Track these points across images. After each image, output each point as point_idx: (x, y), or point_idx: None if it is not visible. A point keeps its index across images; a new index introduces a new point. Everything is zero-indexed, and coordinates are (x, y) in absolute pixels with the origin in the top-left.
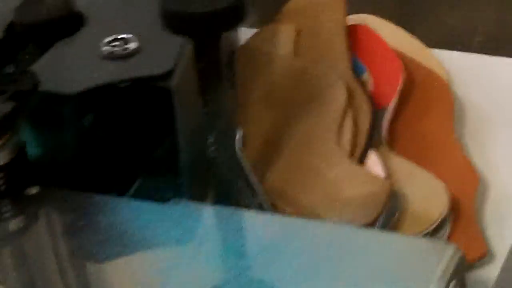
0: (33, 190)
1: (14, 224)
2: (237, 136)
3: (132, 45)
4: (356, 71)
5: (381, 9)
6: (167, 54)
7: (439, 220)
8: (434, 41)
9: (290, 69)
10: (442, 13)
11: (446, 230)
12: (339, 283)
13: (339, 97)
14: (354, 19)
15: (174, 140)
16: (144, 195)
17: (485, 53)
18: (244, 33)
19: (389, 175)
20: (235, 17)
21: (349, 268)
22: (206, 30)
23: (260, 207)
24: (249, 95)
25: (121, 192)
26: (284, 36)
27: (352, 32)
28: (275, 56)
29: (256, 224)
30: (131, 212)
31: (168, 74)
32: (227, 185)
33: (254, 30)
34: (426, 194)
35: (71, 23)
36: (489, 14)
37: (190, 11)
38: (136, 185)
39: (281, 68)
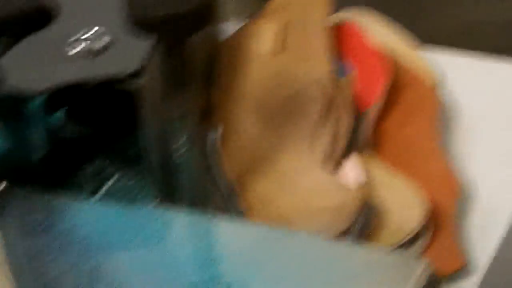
0: None
1: None
2: (212, 137)
3: (99, 43)
4: (339, 72)
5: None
6: (134, 54)
7: (415, 231)
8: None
9: (268, 69)
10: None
11: (423, 241)
12: None
13: (318, 100)
14: (345, 14)
15: (142, 142)
16: (115, 195)
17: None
18: (233, 27)
19: (366, 183)
20: (200, 20)
21: (316, 282)
22: (171, 33)
23: (232, 212)
24: (226, 94)
25: (91, 192)
26: (265, 34)
27: (337, 31)
28: (254, 55)
29: (225, 231)
30: (95, 215)
31: (135, 75)
32: (197, 188)
33: (241, 25)
34: (403, 204)
35: (40, 17)
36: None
37: (155, 13)
38: (107, 185)
39: (259, 68)
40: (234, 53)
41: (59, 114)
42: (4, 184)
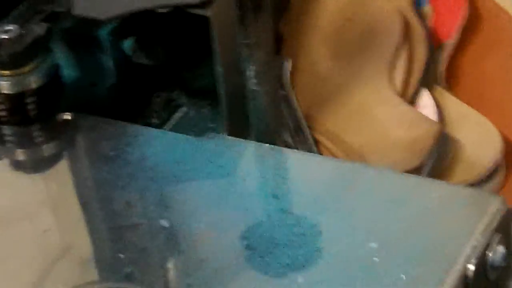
0: (65, 116)
1: (44, 150)
2: (285, 66)
3: None
4: (417, 2)
5: None
6: None
7: (492, 166)
8: None
9: None
10: None
11: (500, 177)
12: (377, 230)
13: (395, 31)
14: None
15: (213, 71)
16: (185, 125)
17: None
18: None
19: (441, 117)
20: None
21: (388, 216)
22: None
23: (304, 144)
24: (300, 24)
25: (161, 122)
26: None
27: None
28: None
29: (295, 163)
30: (164, 145)
31: (206, 2)
32: (267, 120)
33: None
34: (480, 139)
35: None
36: None
37: None
38: (177, 115)
39: None
40: None
41: (129, 42)
42: (70, 114)
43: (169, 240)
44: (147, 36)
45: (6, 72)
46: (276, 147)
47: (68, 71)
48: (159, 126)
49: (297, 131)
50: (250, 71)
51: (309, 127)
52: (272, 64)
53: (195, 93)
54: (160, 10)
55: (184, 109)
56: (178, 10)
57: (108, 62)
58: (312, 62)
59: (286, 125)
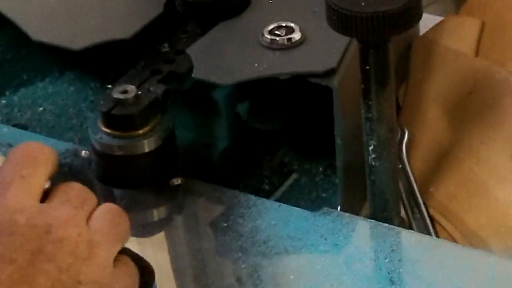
0: (178, 181)
1: (153, 215)
2: (402, 138)
3: (295, 36)
4: None
5: None
6: (330, 51)
7: None
8: None
9: (469, 69)
10: None
11: None
12: None
13: None
14: None
15: (332, 141)
16: (296, 193)
17: None
18: (427, 21)
19: None
20: (406, 20)
21: None
22: (373, 32)
23: (420, 221)
24: (420, 93)
25: (272, 188)
26: (467, 31)
27: None
28: (454, 53)
29: (412, 246)
30: (278, 218)
31: (330, 72)
32: (386, 196)
33: (438, 18)
34: None
35: (235, 4)
36: None
37: (357, 11)
38: (289, 181)
39: (459, 67)
40: (431, 49)
41: (245, 105)
42: (181, 179)
43: None
44: (263, 100)
45: (119, 134)
46: (393, 227)
47: (181, 132)
48: (270, 192)
49: (413, 207)
50: (370, 146)
51: (425, 204)
52: (393, 139)
53: (310, 159)
54: (282, 77)
55: (295, 175)
56: (298, 77)
57: (223, 124)
58: (433, 135)
59: (404, 200)
